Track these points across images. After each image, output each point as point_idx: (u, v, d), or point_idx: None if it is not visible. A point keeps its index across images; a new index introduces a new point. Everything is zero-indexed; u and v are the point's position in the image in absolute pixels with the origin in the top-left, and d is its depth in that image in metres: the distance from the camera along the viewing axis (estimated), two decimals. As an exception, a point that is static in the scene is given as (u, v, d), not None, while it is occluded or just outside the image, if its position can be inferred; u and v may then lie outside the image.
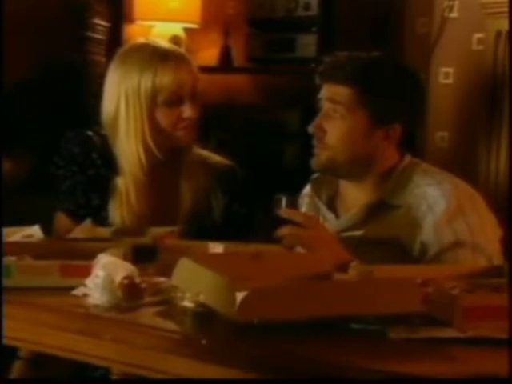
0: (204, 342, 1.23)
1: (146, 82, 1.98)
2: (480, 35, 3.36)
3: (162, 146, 2.04)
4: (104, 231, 1.89)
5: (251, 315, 1.21)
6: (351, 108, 1.90)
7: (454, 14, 3.47)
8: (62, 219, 2.08)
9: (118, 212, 2.04)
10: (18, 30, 3.36)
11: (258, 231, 2.05)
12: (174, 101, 2.00)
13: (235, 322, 1.23)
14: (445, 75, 3.46)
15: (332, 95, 1.93)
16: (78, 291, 1.49)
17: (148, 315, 1.40)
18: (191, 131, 2.04)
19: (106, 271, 1.46)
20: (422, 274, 1.41)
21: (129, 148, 2.04)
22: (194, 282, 1.36)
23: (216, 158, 2.15)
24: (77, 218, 2.01)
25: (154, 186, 2.07)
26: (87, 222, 1.91)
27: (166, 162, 2.07)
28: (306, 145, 1.91)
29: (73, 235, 1.85)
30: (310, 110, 1.96)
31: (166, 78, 1.98)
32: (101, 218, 2.02)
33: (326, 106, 1.95)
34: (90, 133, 2.10)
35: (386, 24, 3.60)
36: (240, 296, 1.22)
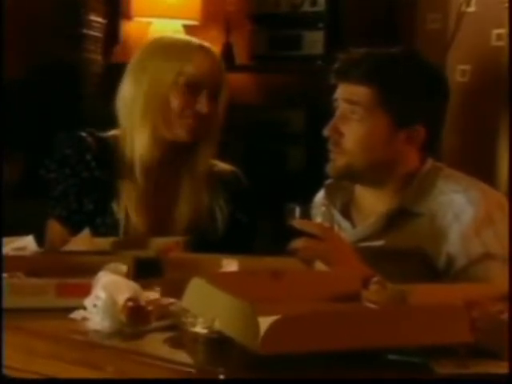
0: (222, 376, 1.08)
1: (173, 66, 1.94)
2: (499, 30, 3.26)
3: (166, 138, 1.96)
4: (103, 242, 1.76)
5: (277, 347, 1.06)
6: (370, 109, 1.80)
7: (472, 9, 3.38)
8: (54, 227, 1.97)
9: (116, 218, 1.94)
10: (9, 27, 3.30)
11: (271, 242, 1.94)
12: (192, 89, 1.93)
13: (258, 353, 1.08)
14: (462, 73, 3.37)
15: (349, 95, 1.83)
16: (77, 314, 1.35)
17: (155, 343, 1.26)
18: (195, 127, 1.95)
19: (108, 292, 1.32)
20: (463, 295, 1.27)
21: (140, 139, 1.95)
22: (208, 306, 1.21)
23: (220, 165, 2.06)
24: (70, 224, 1.92)
25: (157, 194, 1.98)
26: (85, 233, 1.78)
27: (169, 166, 1.98)
28: (312, 147, 1.83)
29: (69, 247, 1.73)
30: (316, 110, 1.87)
31: (190, 62, 1.94)
32: (96, 225, 1.92)
33: (342, 106, 1.84)
34: (83, 134, 2.00)
35: (396, 20, 3.54)
36: (264, 324, 1.08)
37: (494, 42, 3.32)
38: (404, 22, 3.55)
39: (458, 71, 3.36)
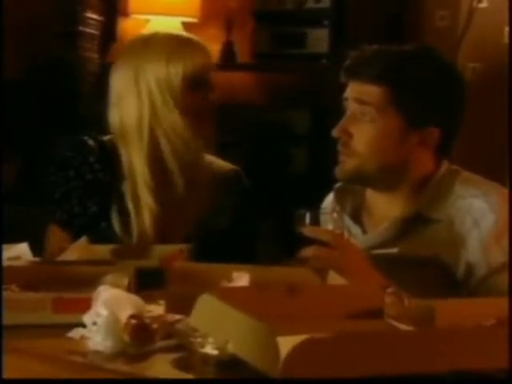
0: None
1: (176, 68, 1.89)
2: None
3: (191, 137, 1.90)
4: (102, 249, 1.68)
5: (300, 372, 0.96)
6: (382, 109, 1.72)
7: (483, 5, 3.31)
8: (56, 233, 1.90)
9: (121, 220, 1.88)
10: (5, 25, 3.25)
11: (280, 249, 1.86)
12: (200, 85, 1.90)
13: (277, 378, 0.99)
14: (472, 71, 3.30)
15: (360, 95, 1.75)
16: (75, 333, 1.24)
17: (161, 365, 1.16)
18: (214, 117, 1.93)
19: (109, 309, 1.21)
20: (494, 310, 1.19)
21: (175, 133, 1.89)
22: (219, 325, 1.11)
23: (220, 163, 2.02)
24: (72, 229, 1.86)
25: (160, 195, 1.91)
26: (83, 240, 1.70)
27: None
28: (316, 149, 1.76)
29: (67, 256, 1.64)
30: (321, 110, 1.81)
31: (194, 61, 1.89)
32: (99, 229, 1.86)
33: (352, 107, 1.76)
34: (85, 137, 1.95)
35: (403, 17, 3.48)
36: (282, 346, 0.98)
37: (507, 40, 3.24)
38: (411, 20, 3.50)
39: (469, 69, 3.30)
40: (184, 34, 2.05)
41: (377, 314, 1.25)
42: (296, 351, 0.96)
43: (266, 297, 1.19)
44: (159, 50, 1.91)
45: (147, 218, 1.88)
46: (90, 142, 1.93)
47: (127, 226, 1.87)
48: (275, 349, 0.98)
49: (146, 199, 1.89)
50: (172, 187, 1.91)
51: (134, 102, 1.90)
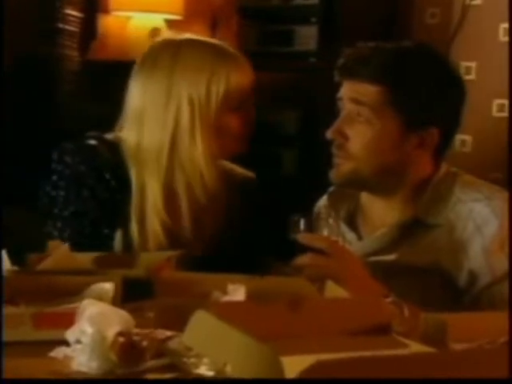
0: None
1: (218, 83, 1.70)
2: (507, 25, 3.12)
3: (225, 156, 1.78)
4: (85, 258, 1.59)
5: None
6: (379, 110, 1.66)
7: (478, 1, 3.25)
8: (58, 248, 1.74)
9: (135, 239, 1.74)
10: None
11: (272, 255, 1.79)
12: (240, 106, 1.74)
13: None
14: (466, 70, 3.24)
15: (355, 95, 1.69)
16: (58, 352, 1.15)
17: (152, 387, 1.07)
18: (249, 138, 1.80)
19: (95, 326, 1.12)
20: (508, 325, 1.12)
21: (193, 164, 1.73)
22: (216, 345, 1.03)
23: (238, 170, 1.91)
24: (80, 248, 1.68)
25: (172, 224, 1.78)
26: (64, 247, 1.60)
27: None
28: (306, 150, 1.70)
29: (47, 265, 1.53)
30: (310, 111, 1.75)
31: (239, 78, 1.71)
32: (108, 248, 1.72)
33: (347, 107, 1.70)
34: (94, 142, 1.75)
35: (394, 14, 3.43)
36: (289, 371, 0.90)
37: (502, 38, 3.19)
38: (402, 17, 3.45)
39: (463, 68, 3.23)
40: (222, 44, 1.81)
41: (383, 328, 1.17)
42: (306, 375, 0.87)
43: (266, 312, 1.11)
44: (199, 62, 1.71)
45: (152, 246, 1.73)
46: (101, 150, 1.74)
47: (130, 248, 1.73)
48: (280, 373, 0.90)
49: (155, 227, 1.73)
50: (182, 218, 1.76)
51: (159, 123, 1.72)
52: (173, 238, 1.76)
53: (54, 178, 1.75)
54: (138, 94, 1.74)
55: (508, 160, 3.01)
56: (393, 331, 1.18)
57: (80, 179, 1.72)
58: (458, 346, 1.11)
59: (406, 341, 1.14)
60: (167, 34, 1.99)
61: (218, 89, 1.69)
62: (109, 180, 1.72)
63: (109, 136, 1.79)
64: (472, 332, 1.12)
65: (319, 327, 1.11)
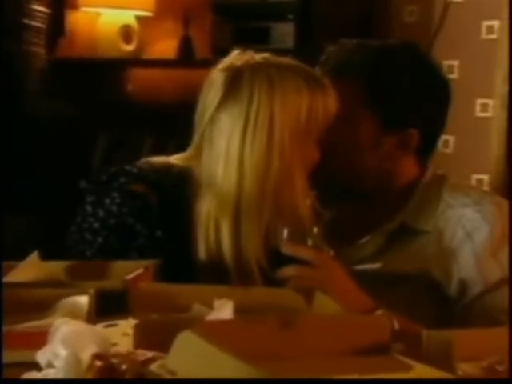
0: None
1: (316, 116, 1.49)
2: (490, 22, 3.10)
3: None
4: (55, 267, 1.49)
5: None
6: (356, 109, 1.61)
7: None
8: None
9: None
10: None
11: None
12: (319, 136, 1.54)
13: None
14: (449, 69, 3.19)
15: (335, 91, 1.61)
16: (29, 377, 1.05)
17: (134, 416, 0.97)
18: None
19: (69, 348, 1.02)
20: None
21: (291, 210, 1.51)
22: (204, 369, 0.94)
23: None
24: None
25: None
26: (33, 256, 1.51)
27: None
28: None
29: (16, 275, 1.44)
30: None
31: (328, 107, 1.52)
32: None
33: None
34: (139, 192, 1.53)
35: (372, 11, 3.41)
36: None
37: (485, 35, 3.17)
38: (379, 14, 3.43)
39: (445, 67, 3.18)
40: (306, 66, 1.57)
41: (381, 348, 1.09)
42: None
43: (257, 331, 1.02)
44: (299, 89, 1.50)
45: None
46: (153, 202, 1.52)
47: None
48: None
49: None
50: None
51: (261, 156, 1.48)
52: None
53: (96, 225, 1.55)
54: (231, 119, 1.52)
55: (508, 161, 2.99)
56: (393, 350, 1.09)
57: (128, 234, 1.54)
58: (463, 365, 1.04)
59: (409, 361, 1.05)
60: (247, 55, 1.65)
61: (317, 120, 1.51)
62: (153, 225, 1.52)
63: (174, 170, 1.56)
64: (478, 350, 1.05)
65: (313, 347, 1.03)
